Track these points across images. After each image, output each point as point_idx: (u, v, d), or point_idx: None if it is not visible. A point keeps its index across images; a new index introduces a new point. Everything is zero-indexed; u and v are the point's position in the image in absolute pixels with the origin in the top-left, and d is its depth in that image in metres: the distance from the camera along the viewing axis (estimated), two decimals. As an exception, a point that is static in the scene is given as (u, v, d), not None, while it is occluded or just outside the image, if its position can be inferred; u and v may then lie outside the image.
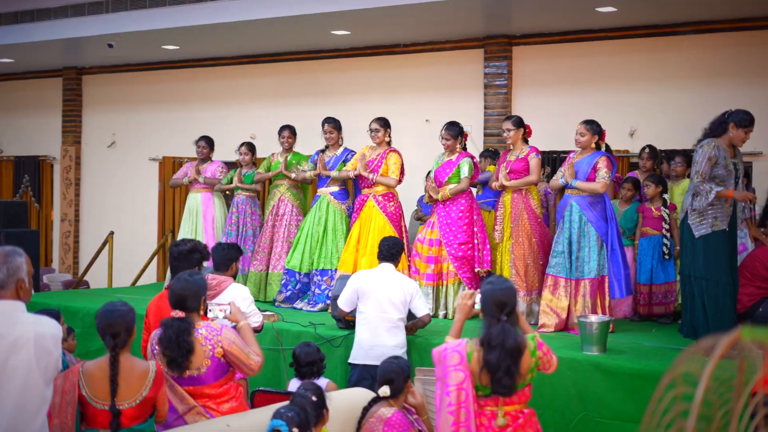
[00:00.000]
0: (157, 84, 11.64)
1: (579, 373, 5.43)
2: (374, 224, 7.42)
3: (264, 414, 3.87)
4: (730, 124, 6.02)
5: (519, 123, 7.04)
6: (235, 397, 4.22)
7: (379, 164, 7.52)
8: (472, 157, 7.32)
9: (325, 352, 5.44)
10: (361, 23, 8.81)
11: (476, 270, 7.11)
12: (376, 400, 4.46)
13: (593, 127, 6.57)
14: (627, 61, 8.67)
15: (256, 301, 5.91)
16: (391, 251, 5.93)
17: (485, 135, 9.17)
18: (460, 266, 7.12)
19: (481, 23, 8.85)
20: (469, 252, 7.14)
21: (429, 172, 7.55)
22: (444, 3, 7.93)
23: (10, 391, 3.10)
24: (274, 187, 8.49)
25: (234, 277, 5.59)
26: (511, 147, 7.07)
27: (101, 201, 12.14)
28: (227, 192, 9.09)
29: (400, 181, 7.57)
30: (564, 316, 6.50)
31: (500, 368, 3.63)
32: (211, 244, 7.37)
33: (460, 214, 7.18)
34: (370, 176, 7.49)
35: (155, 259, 10.73)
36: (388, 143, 7.65)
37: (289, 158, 8.39)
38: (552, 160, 8.58)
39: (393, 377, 4.43)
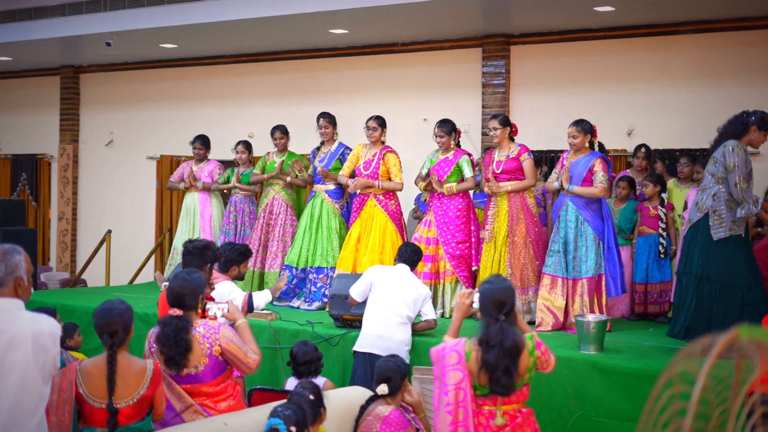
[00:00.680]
0: (155, 83, 11.63)
1: (576, 373, 5.43)
2: (376, 223, 7.44)
3: (261, 413, 3.87)
4: (753, 126, 5.89)
5: (505, 122, 7.06)
6: (232, 395, 4.22)
7: (378, 164, 7.52)
8: (469, 154, 7.35)
9: (323, 351, 5.45)
10: (359, 22, 8.81)
11: (473, 269, 7.15)
12: (374, 398, 4.47)
13: (584, 127, 6.58)
14: (625, 60, 8.68)
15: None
16: (412, 257, 6.11)
17: (483, 134, 9.17)
18: (458, 265, 7.14)
19: (480, 22, 8.85)
20: (466, 251, 7.17)
21: (421, 171, 7.52)
22: (442, 2, 7.93)
23: (8, 388, 3.11)
24: (268, 185, 8.47)
25: (239, 279, 5.62)
26: (498, 146, 7.08)
27: (99, 199, 12.13)
28: (225, 191, 9.09)
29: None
30: (561, 315, 6.51)
31: (499, 368, 3.63)
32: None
33: (458, 213, 7.20)
34: (376, 183, 7.48)
35: (153, 257, 10.73)
36: (383, 142, 7.66)
37: (284, 159, 8.37)
38: (550, 160, 8.59)
39: (391, 375, 4.44)
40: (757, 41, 8.09)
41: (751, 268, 5.95)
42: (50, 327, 3.25)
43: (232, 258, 5.68)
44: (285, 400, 3.87)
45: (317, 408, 3.88)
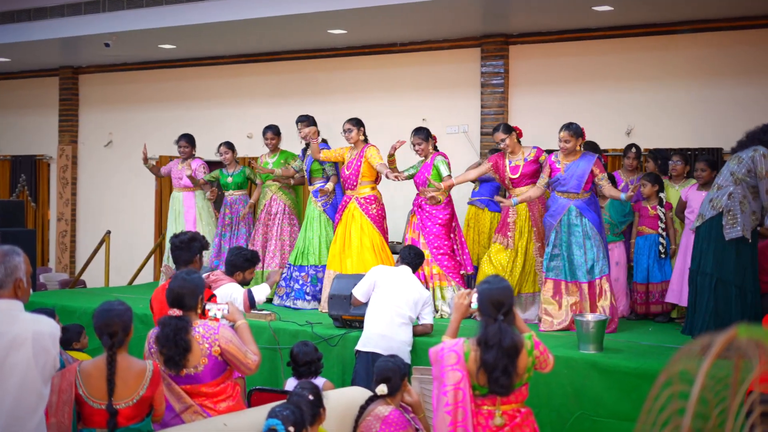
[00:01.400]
0: (153, 83, 11.63)
1: (576, 372, 5.43)
2: (356, 225, 7.49)
3: (261, 413, 3.86)
4: None
5: (508, 129, 7.04)
6: (232, 396, 4.22)
7: (359, 163, 7.53)
8: (444, 156, 7.41)
9: (323, 352, 5.45)
10: (357, 22, 8.81)
11: (462, 272, 7.28)
12: (373, 398, 4.47)
13: (575, 130, 6.60)
14: (624, 60, 8.68)
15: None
16: (414, 260, 6.16)
17: (482, 134, 9.18)
18: (448, 269, 7.24)
19: (478, 22, 8.86)
20: (449, 261, 7.26)
21: (410, 176, 7.54)
22: (441, 2, 7.93)
23: (8, 389, 3.11)
24: (266, 186, 8.49)
25: (243, 284, 5.61)
26: (511, 152, 7.05)
27: (98, 200, 12.12)
28: (256, 183, 8.99)
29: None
30: (567, 319, 6.48)
31: (497, 368, 3.63)
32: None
33: (440, 226, 7.29)
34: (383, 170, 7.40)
35: (152, 258, 10.73)
36: (364, 141, 7.65)
37: (277, 159, 8.40)
38: (549, 160, 8.59)
39: (390, 375, 4.45)
40: (755, 41, 8.09)
41: (753, 270, 5.98)
42: (50, 328, 3.26)
43: (238, 263, 5.66)
44: (283, 401, 3.87)
45: (316, 408, 3.88)
